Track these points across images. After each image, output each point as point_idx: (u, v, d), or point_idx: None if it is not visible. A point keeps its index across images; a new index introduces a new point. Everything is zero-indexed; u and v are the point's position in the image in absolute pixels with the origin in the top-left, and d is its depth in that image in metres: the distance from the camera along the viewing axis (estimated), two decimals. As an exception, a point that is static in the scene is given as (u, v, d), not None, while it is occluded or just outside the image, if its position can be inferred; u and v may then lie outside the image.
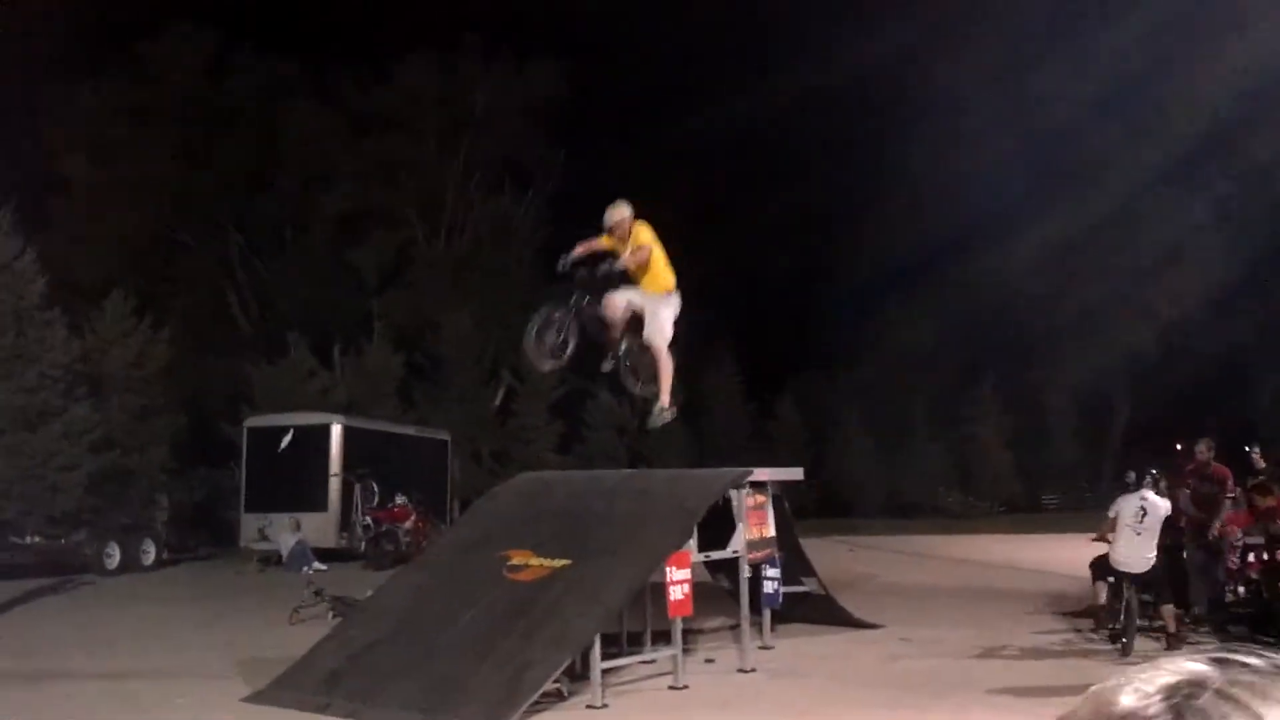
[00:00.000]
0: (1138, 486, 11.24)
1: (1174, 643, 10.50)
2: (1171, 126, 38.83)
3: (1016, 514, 38.85)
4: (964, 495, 41.57)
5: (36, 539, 20.25)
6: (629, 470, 14.42)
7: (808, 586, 12.02)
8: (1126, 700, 0.80)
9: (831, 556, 17.96)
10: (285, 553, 21.40)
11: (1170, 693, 0.79)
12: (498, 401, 38.16)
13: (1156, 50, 36.47)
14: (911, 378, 44.36)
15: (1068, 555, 12.37)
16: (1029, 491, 43.03)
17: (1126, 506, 11.00)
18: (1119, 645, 10.43)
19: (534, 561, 9.58)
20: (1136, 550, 10.73)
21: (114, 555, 20.72)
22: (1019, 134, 42.01)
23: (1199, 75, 37.26)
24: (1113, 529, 11.08)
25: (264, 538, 22.42)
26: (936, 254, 44.13)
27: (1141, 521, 10.81)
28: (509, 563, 9.66)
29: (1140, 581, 10.78)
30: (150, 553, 21.73)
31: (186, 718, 8.26)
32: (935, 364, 44.86)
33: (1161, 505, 10.93)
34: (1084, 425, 44.49)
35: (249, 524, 23.25)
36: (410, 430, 28.02)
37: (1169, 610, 10.83)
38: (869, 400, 43.89)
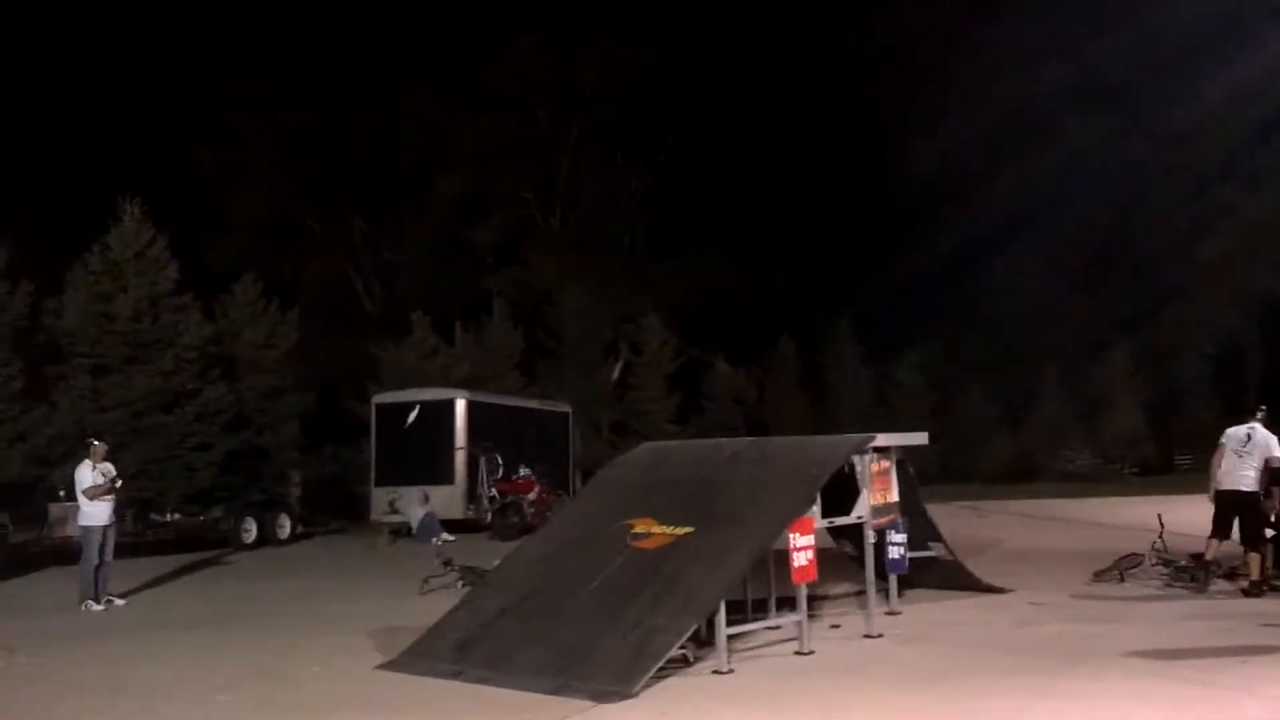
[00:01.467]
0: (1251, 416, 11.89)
1: (1253, 590, 11.12)
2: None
3: (1149, 475, 37.85)
4: (1094, 457, 40.60)
5: (176, 516, 21.00)
6: (749, 438, 14.35)
7: (934, 551, 11.85)
8: None
9: (958, 521, 17.71)
10: (414, 525, 21.87)
11: None
12: (616, 374, 38.38)
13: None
14: (1038, 339, 43.49)
15: (1202, 517, 12.06)
16: (1163, 452, 41.86)
17: (1234, 433, 11.77)
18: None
19: (657, 529, 9.61)
20: (1235, 469, 11.53)
21: (250, 530, 21.43)
22: (1137, 81, 40.71)
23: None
24: (1221, 455, 11.77)
25: (394, 510, 22.94)
26: (1062, 211, 43.11)
27: (1245, 445, 11.57)
28: (633, 531, 9.71)
29: (1237, 506, 11.42)
30: (285, 527, 22.42)
31: (321, 686, 8.47)
32: (1063, 324, 43.88)
33: (1266, 436, 11.56)
34: (1219, 383, 43.09)
35: (379, 498, 23.82)
36: (532, 403, 28.36)
37: (1254, 557, 11.29)
38: (993, 364, 43.17)
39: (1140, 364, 42.86)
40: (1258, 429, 11.70)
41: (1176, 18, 37.60)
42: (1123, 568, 12.65)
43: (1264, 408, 12.16)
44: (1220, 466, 11.80)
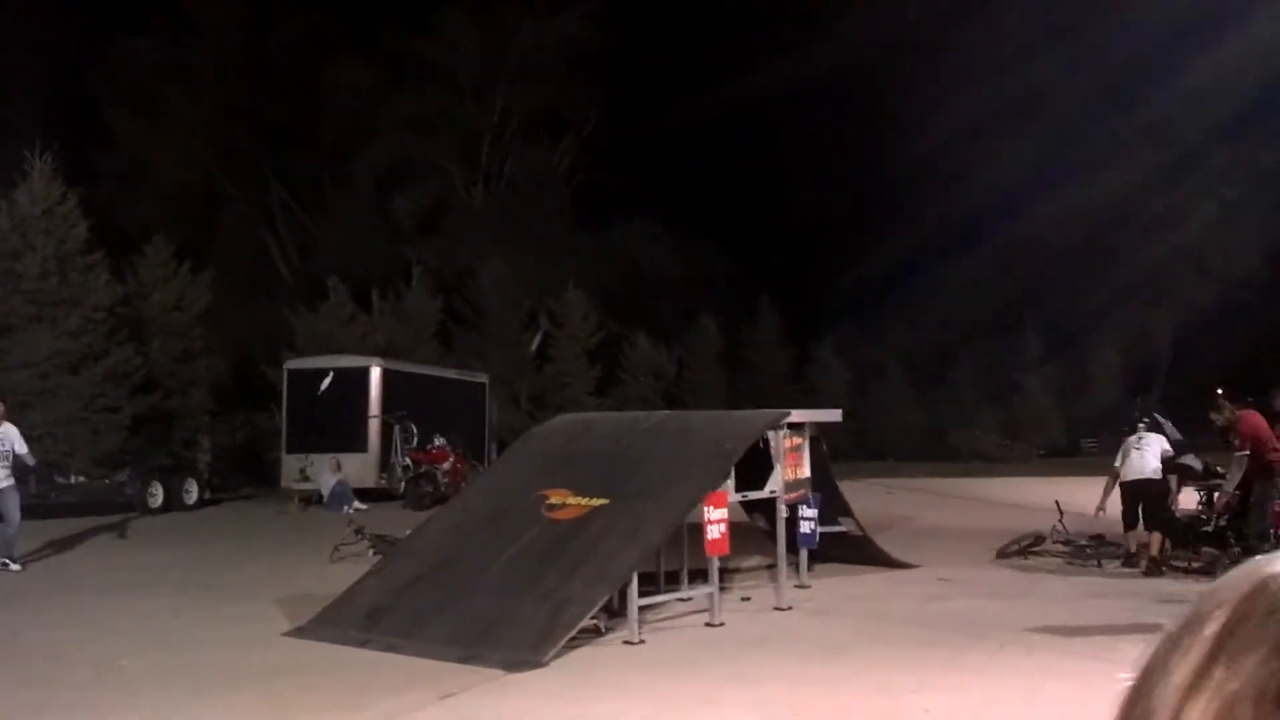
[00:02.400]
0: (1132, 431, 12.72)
1: (1152, 569, 11.64)
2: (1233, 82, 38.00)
3: (1055, 457, 38.69)
4: (1003, 438, 41.42)
5: (81, 479, 20.53)
6: (667, 411, 14.40)
7: (845, 527, 12.02)
8: None
9: (870, 498, 17.94)
10: (326, 493, 21.63)
11: None
12: (535, 346, 38.26)
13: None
14: (954, 324, 44.16)
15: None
16: (1070, 436, 42.82)
17: (1128, 441, 12.57)
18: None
19: (572, 500, 9.62)
20: (1138, 462, 12.19)
21: (157, 495, 21.01)
22: (1068, 85, 41.38)
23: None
24: (1117, 471, 12.48)
25: (305, 478, 22.68)
26: (983, 200, 43.69)
27: (1140, 441, 12.36)
28: (547, 501, 9.71)
29: (1143, 493, 12.05)
30: (193, 492, 22.02)
31: (227, 653, 8.36)
32: (978, 310, 44.58)
33: (1156, 435, 12.46)
34: (1128, 373, 44.14)
35: (290, 464, 23.52)
36: (449, 373, 28.17)
37: (1155, 537, 11.91)
38: (910, 346, 43.77)
39: (1050, 348, 43.75)
40: (1145, 434, 12.54)
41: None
42: (1025, 546, 13.00)
43: (1144, 420, 12.88)
44: (1120, 467, 12.46)
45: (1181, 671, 0.62)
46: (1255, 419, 11.64)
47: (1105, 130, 42.47)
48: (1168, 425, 13.15)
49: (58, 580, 12.38)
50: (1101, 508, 12.38)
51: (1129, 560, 12.20)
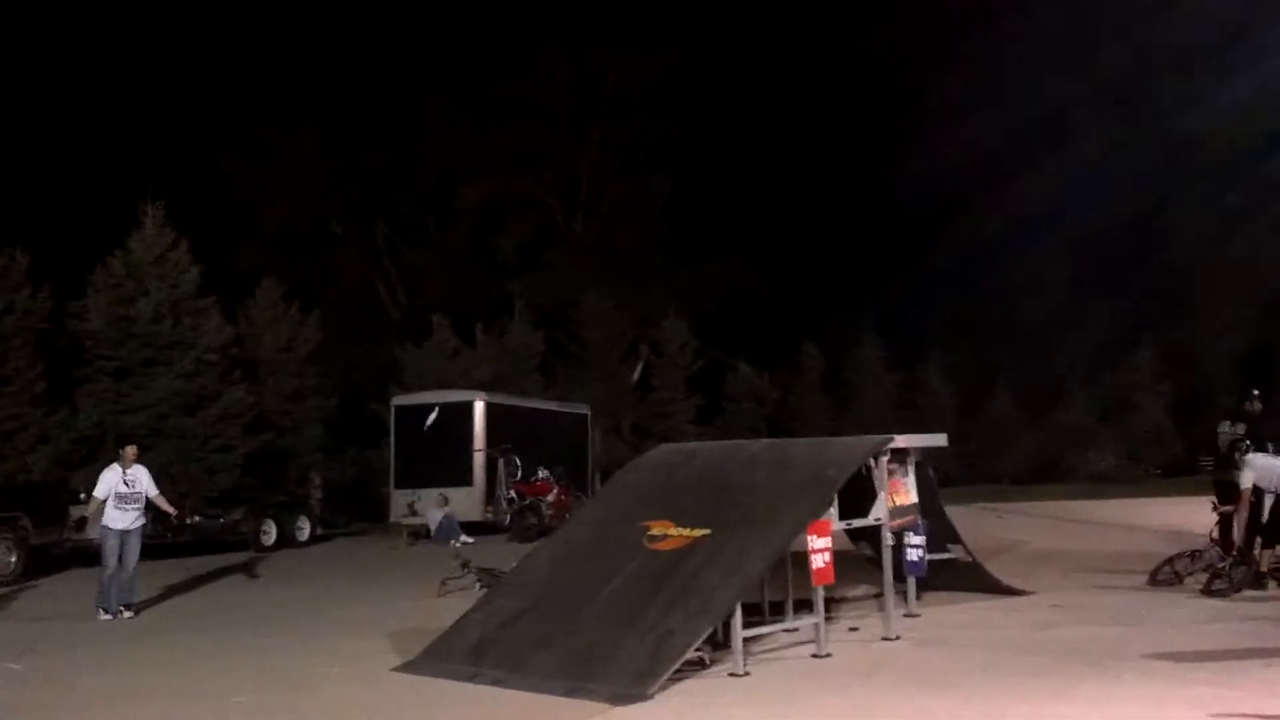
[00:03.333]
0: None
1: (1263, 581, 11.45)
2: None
3: (1173, 476, 37.58)
4: (1117, 458, 40.38)
5: (196, 518, 21.04)
6: (767, 440, 14.31)
7: (953, 553, 11.77)
8: None
9: (979, 523, 17.61)
10: (433, 527, 21.91)
11: None
12: (636, 376, 38.37)
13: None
14: (1063, 341, 43.32)
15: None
16: (1187, 453, 41.57)
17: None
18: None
19: (674, 531, 9.57)
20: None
21: (270, 532, 21.49)
22: (1153, 83, 40.41)
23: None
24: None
25: (413, 512, 22.99)
26: (1086, 211, 42.87)
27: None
28: (649, 533, 9.67)
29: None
30: (305, 529, 22.49)
31: (338, 689, 8.47)
32: (1088, 325, 43.69)
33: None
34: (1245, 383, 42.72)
35: (398, 500, 23.86)
36: (551, 405, 28.36)
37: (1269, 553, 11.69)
38: (1018, 366, 42.97)
39: (1165, 365, 42.63)
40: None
41: (1190, 20, 37.34)
42: (1179, 568, 12.38)
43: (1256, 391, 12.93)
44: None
45: None
46: None
47: (1219, 141, 41.31)
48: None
49: (174, 620, 12.68)
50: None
51: (1258, 580, 11.73)
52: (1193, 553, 12.55)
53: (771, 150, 43.50)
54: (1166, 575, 12.32)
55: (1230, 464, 12.71)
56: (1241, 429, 13.21)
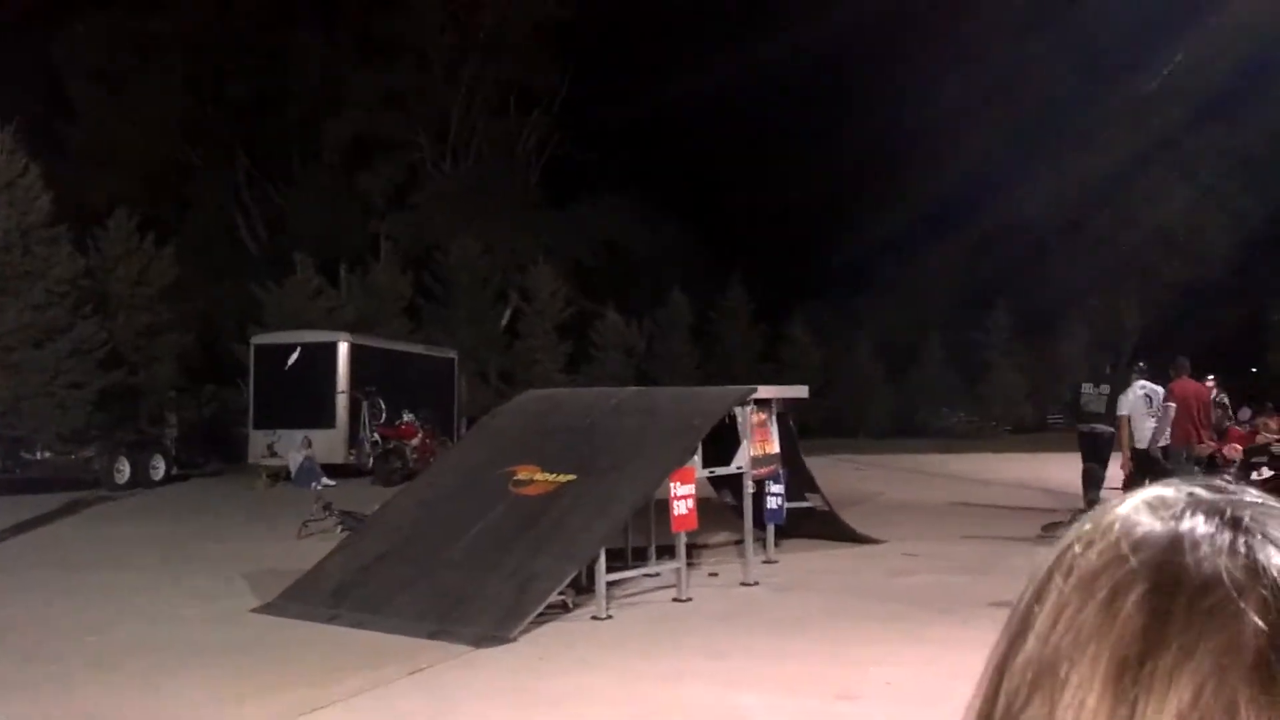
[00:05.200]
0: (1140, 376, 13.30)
1: None
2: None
3: (1023, 434, 38.99)
4: (970, 416, 41.73)
5: (48, 454, 20.41)
6: (635, 388, 14.41)
7: (812, 503, 12.09)
8: (1150, 522, 0.60)
9: (837, 474, 18.05)
10: (294, 469, 21.58)
11: (1208, 507, 0.59)
12: (505, 322, 38.18)
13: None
14: (923, 302, 44.38)
15: (1070, 475, 12.58)
16: (1038, 413, 43.13)
17: (1133, 400, 12.94)
18: None
19: (540, 476, 9.63)
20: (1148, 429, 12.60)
21: (124, 470, 20.91)
22: (1041, 56, 41.39)
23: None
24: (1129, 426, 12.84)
25: (273, 454, 22.60)
26: (956, 181, 43.77)
27: (1151, 408, 12.73)
28: (515, 478, 9.72)
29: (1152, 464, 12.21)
30: (160, 468, 21.95)
31: (195, 629, 8.35)
32: (947, 288, 44.81)
33: (1155, 390, 12.87)
34: (1096, 350, 44.47)
35: (258, 440, 23.43)
36: (417, 349, 28.08)
37: None
38: (880, 324, 43.92)
39: (1020, 329, 44.04)
40: (1151, 388, 13.02)
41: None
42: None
43: (1141, 364, 13.21)
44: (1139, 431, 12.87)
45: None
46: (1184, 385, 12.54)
47: (1079, 111, 42.54)
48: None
49: (23, 556, 12.30)
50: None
51: None
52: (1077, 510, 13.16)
53: (643, 97, 43.43)
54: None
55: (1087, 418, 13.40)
56: (1106, 389, 13.81)
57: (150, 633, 8.17)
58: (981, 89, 41.01)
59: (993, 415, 42.38)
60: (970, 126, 41.22)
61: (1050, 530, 12.18)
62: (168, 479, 22.01)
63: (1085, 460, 13.46)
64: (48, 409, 21.07)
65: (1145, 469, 12.54)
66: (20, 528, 14.52)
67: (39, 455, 20.34)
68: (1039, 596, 0.62)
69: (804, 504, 11.87)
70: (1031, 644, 0.59)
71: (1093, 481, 13.12)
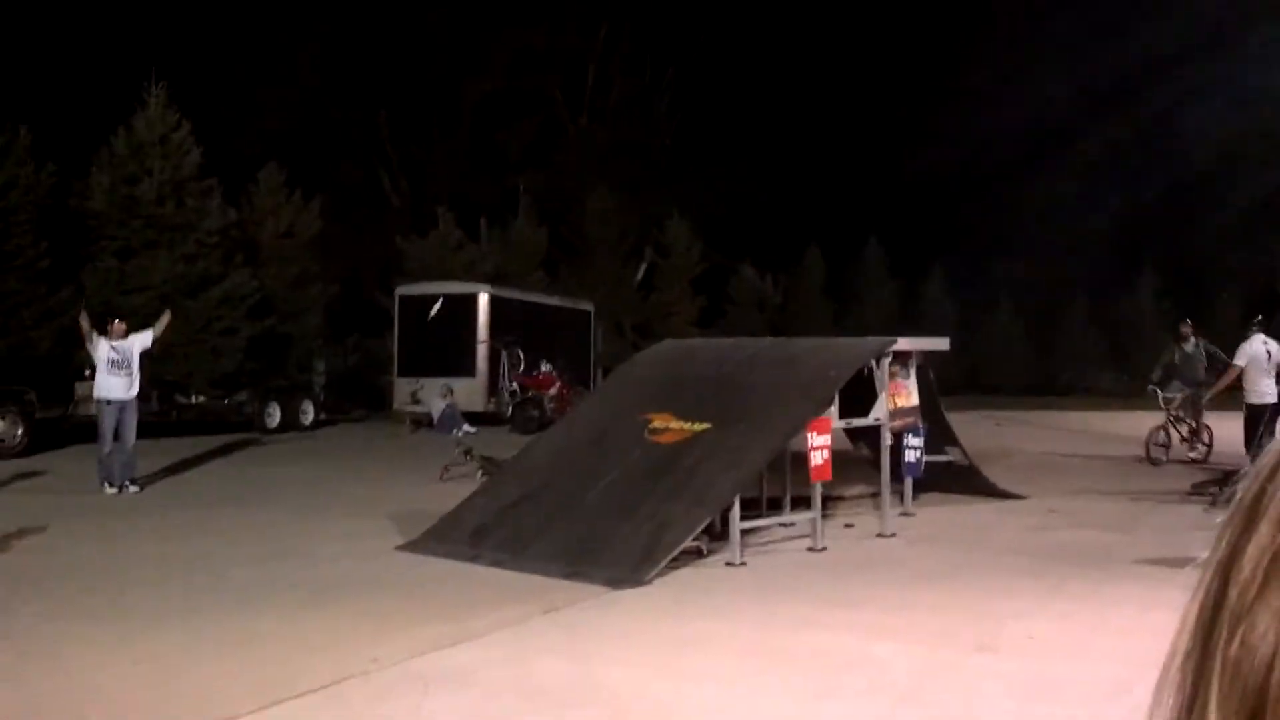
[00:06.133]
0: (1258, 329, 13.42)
1: None
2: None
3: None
4: (1118, 375, 40.57)
5: (202, 399, 21.21)
6: (771, 339, 14.32)
7: (951, 456, 11.90)
8: None
9: (978, 430, 17.74)
10: (436, 416, 22.05)
11: None
12: (640, 276, 38.31)
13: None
14: (1068, 260, 43.25)
15: (1226, 431, 12.20)
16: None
17: (1254, 352, 13.07)
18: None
19: (675, 424, 9.66)
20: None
21: (275, 415, 21.67)
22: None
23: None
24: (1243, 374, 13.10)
25: (416, 401, 23.13)
26: (1101, 132, 42.41)
27: (1269, 363, 12.91)
28: (650, 425, 9.76)
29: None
30: (309, 413, 22.66)
31: (341, 566, 8.61)
32: (1092, 246, 43.59)
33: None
34: (1251, 308, 42.75)
35: (401, 388, 24.00)
36: (554, 301, 28.36)
37: None
38: (1021, 282, 42.94)
39: (1168, 285, 42.59)
40: (1272, 343, 13.11)
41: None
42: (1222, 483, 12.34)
43: (1260, 317, 13.56)
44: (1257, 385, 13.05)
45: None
46: None
47: (1235, 61, 40.77)
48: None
49: (177, 495, 12.85)
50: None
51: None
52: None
53: (780, 53, 42.98)
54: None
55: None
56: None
57: (298, 569, 8.44)
58: (1128, 48, 39.56)
59: (1137, 374, 41.14)
60: (1115, 72, 39.82)
61: (1200, 489, 11.80)
62: (316, 424, 22.73)
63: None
64: (201, 355, 21.87)
65: (1256, 423, 12.35)
66: (175, 469, 15.17)
67: (194, 400, 21.15)
68: (1269, 483, 0.59)
69: (943, 458, 11.69)
70: (1265, 530, 0.58)
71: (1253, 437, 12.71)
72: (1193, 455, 15.82)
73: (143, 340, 13.12)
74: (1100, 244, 43.79)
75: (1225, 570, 0.60)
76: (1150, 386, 16.50)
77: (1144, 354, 41.27)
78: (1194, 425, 16.11)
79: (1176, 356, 16.57)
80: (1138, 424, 16.78)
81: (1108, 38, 38.46)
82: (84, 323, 13.04)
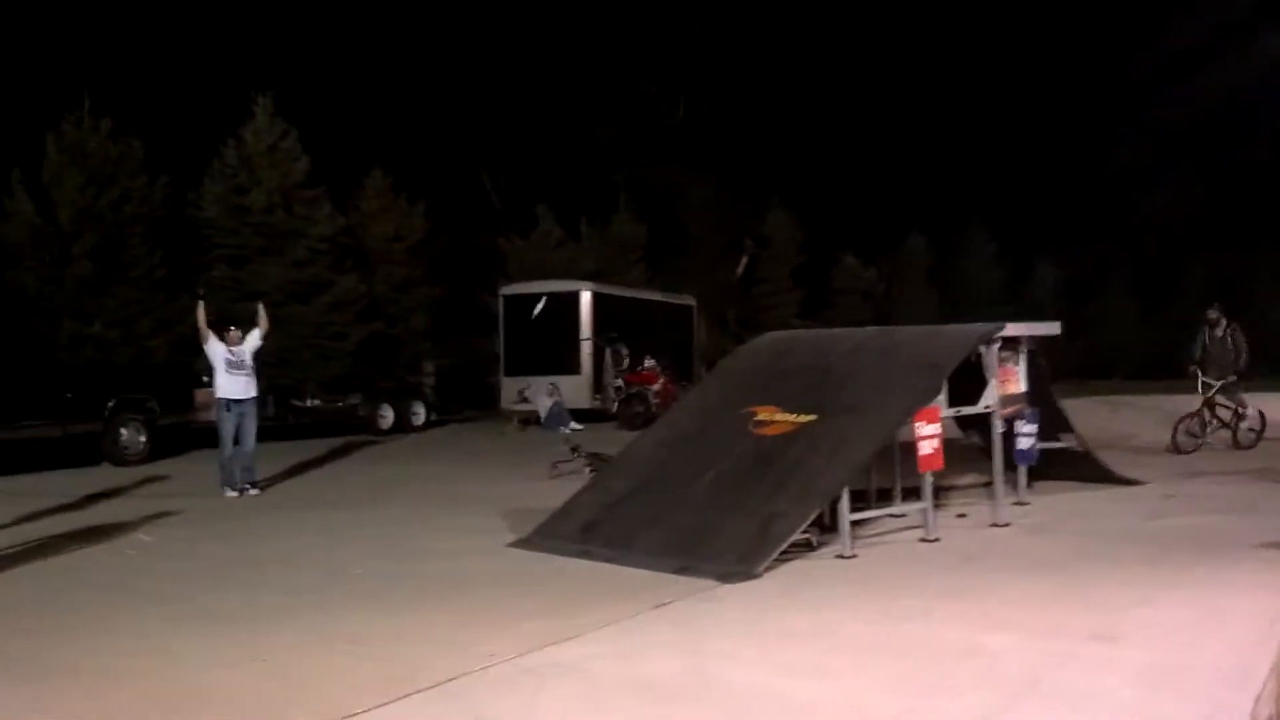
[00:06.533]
0: None
1: None
2: None
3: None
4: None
5: (316, 402, 21.71)
6: (875, 328, 14.18)
7: (1065, 443, 11.66)
8: None
9: (1091, 415, 17.30)
10: (543, 413, 22.29)
11: None
12: (741, 269, 38.21)
13: None
14: (1181, 236, 42.11)
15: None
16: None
17: None
18: None
19: (780, 417, 9.61)
20: None
21: (387, 416, 22.12)
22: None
23: None
24: None
25: (523, 400, 23.40)
26: (1208, 108, 41.17)
27: None
28: (755, 418, 9.72)
29: None
30: (420, 414, 23.09)
31: (454, 562, 8.74)
32: (1208, 228, 42.35)
33: None
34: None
35: (509, 387, 24.33)
36: (656, 296, 28.45)
37: None
38: (1135, 264, 41.91)
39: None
40: None
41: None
42: None
43: None
44: None
45: None
46: None
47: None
48: None
49: (296, 497, 13.16)
50: None
51: None
52: None
53: (883, 39, 42.49)
54: None
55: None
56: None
57: (413, 566, 8.59)
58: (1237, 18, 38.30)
59: (1260, 353, 39.85)
60: (1230, 52, 38.59)
61: None
62: (427, 424, 23.13)
63: None
64: (313, 359, 22.39)
65: None
66: (293, 471, 15.54)
67: (309, 403, 21.65)
68: None
69: (1057, 444, 11.47)
70: None
71: None
72: (1241, 442, 15.33)
73: (253, 341, 13.43)
74: (1215, 214, 42.47)
75: None
76: (1191, 367, 16.08)
77: (1268, 330, 40.19)
78: (1239, 411, 15.61)
79: (1206, 340, 16.11)
80: (1258, 405, 16.27)
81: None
82: (201, 315, 13.37)
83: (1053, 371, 11.93)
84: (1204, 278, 41.22)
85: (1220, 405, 15.64)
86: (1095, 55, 41.82)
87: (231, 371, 13.14)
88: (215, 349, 13.23)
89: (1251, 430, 15.62)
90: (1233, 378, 15.45)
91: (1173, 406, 17.17)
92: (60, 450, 16.12)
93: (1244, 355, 15.63)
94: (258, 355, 13.51)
